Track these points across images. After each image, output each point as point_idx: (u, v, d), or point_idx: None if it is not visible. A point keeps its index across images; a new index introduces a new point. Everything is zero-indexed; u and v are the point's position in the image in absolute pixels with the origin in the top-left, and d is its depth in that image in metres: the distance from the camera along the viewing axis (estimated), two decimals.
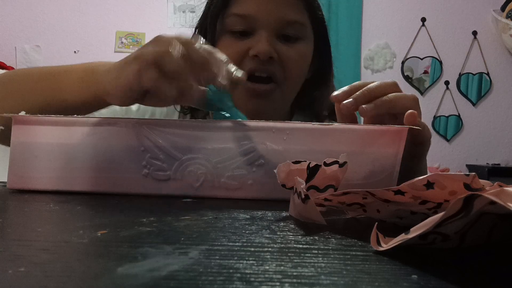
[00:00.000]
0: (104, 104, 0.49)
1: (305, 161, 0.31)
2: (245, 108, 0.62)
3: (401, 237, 0.21)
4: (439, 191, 0.24)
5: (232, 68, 0.43)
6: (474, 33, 2.72)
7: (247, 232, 0.25)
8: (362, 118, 0.47)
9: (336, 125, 0.40)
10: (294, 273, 0.17)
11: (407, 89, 2.68)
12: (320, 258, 0.20)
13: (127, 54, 0.43)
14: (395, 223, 0.28)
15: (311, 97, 0.73)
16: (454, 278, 0.18)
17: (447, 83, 2.74)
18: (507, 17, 2.59)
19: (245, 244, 0.22)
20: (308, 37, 0.67)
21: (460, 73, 2.74)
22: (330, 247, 0.22)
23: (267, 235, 0.24)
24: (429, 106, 2.71)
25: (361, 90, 0.45)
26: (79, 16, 2.69)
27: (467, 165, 2.67)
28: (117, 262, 0.18)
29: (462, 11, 2.72)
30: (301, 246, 0.22)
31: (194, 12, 2.67)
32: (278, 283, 0.16)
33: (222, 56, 0.43)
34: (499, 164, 2.62)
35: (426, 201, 0.25)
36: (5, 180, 0.42)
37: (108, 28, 2.70)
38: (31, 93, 0.53)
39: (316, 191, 0.31)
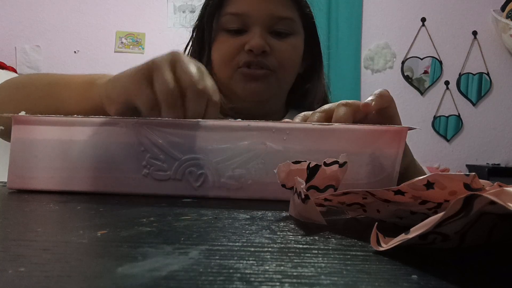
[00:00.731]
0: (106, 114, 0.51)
1: (305, 161, 0.31)
2: (243, 91, 0.69)
3: (401, 237, 0.21)
4: (439, 191, 0.24)
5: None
6: (474, 33, 2.72)
7: (247, 232, 0.25)
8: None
9: (336, 125, 0.40)
10: (294, 273, 0.17)
11: (407, 89, 2.71)
12: (320, 258, 0.20)
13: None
14: (395, 223, 0.28)
15: (303, 90, 0.77)
16: (454, 278, 0.18)
17: (447, 83, 2.74)
18: (507, 17, 2.59)
19: (245, 244, 0.22)
20: (299, 32, 0.72)
21: (460, 73, 2.73)
22: (330, 247, 0.22)
23: (267, 235, 0.24)
24: (429, 106, 2.71)
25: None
26: (79, 16, 2.69)
27: (467, 165, 2.67)
28: (117, 262, 0.18)
29: (462, 11, 2.72)
30: (301, 246, 0.22)
31: (194, 12, 2.67)
32: (278, 283, 0.16)
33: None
34: (499, 164, 2.62)
35: (426, 201, 0.25)
36: (5, 180, 0.42)
37: (108, 28, 2.70)
38: (32, 101, 0.55)
39: (316, 191, 0.31)
